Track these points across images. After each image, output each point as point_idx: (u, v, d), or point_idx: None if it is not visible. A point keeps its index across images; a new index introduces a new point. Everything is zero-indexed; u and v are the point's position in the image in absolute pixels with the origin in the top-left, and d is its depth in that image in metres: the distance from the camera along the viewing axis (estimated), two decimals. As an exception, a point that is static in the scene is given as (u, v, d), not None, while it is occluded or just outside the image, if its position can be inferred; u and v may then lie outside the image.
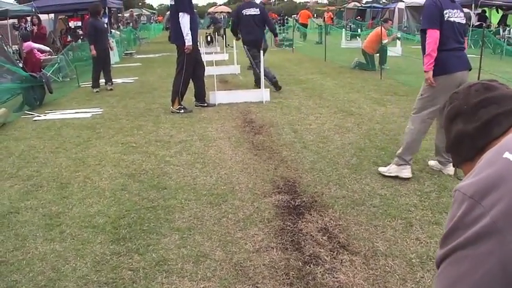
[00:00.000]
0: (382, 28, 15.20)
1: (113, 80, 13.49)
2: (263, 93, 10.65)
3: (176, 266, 3.99)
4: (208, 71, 11.83)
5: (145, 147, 7.17)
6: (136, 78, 15.14)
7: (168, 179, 5.85)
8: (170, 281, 3.78)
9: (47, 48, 13.21)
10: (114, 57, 18.90)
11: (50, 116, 9.94)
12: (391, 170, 5.91)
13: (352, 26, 36.36)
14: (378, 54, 15.33)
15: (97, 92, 12.62)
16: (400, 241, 4.37)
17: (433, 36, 5.40)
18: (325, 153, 6.68)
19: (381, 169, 6.03)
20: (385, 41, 15.12)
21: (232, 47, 16.03)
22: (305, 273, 3.89)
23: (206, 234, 4.50)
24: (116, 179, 5.89)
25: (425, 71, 5.56)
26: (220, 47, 23.19)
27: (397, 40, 18.93)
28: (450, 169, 5.91)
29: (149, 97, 11.55)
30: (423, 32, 5.55)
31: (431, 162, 6.19)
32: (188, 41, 9.22)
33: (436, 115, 5.78)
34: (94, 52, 12.71)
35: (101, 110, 10.28)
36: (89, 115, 9.73)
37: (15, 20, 19.56)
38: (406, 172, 5.84)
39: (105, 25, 13.22)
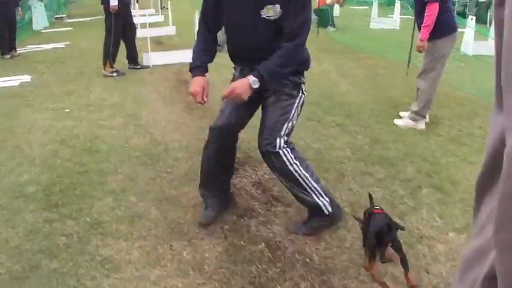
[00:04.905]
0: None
1: (42, 46, 13.13)
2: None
3: (111, 227, 3.98)
4: (142, 33, 11.59)
5: (77, 112, 7.02)
6: (68, 43, 14.68)
7: (100, 142, 5.76)
8: (105, 243, 3.77)
9: None
10: (42, 21, 18.29)
11: (-25, 86, 9.61)
12: (409, 124, 6.22)
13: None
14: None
15: (9, 58, 12.27)
16: (333, 191, 4.46)
17: (434, 9, 5.71)
18: (258, 111, 6.68)
19: (398, 122, 6.35)
20: (328, 1, 15.37)
21: (168, 8, 15.75)
22: (239, 226, 3.94)
23: (140, 194, 4.48)
24: (47, 145, 5.76)
25: (421, 40, 5.90)
26: (155, 9, 22.71)
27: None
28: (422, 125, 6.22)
29: (81, 62, 11.24)
30: (423, 3, 5.84)
31: (401, 121, 6.31)
32: (113, 1, 9.00)
33: (442, 71, 6.11)
34: None
35: (30, 77, 9.95)
36: (16, 83, 9.41)
37: None
38: (422, 125, 6.20)
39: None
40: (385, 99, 7.42)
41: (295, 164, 3.66)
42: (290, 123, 3.72)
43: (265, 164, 4.89)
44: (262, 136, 3.70)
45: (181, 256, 3.59)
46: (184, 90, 7.98)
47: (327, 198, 3.77)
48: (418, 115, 6.11)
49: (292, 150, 3.70)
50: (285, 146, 3.65)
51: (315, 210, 3.79)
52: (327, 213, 3.77)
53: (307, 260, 3.56)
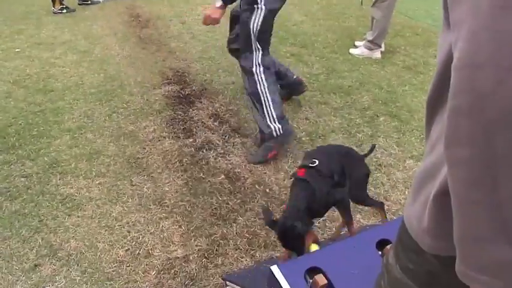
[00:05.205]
0: None
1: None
2: (149, -14, 10.28)
3: (70, 166, 3.97)
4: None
5: (28, 52, 6.83)
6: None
7: (54, 81, 5.64)
8: (65, 182, 3.77)
9: None
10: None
11: None
12: (364, 53, 6.22)
13: None
14: None
15: None
16: (290, 121, 4.49)
17: None
18: (214, 42, 6.63)
19: (354, 51, 6.33)
20: None
21: None
22: (198, 159, 3.97)
23: (97, 131, 4.46)
24: (-1, 87, 5.64)
25: None
26: None
27: None
28: (377, 54, 6.22)
29: (28, -1, 10.92)
30: None
31: (356, 51, 6.30)
32: None
33: (396, 1, 6.03)
34: None
35: (-25, 17, 9.65)
36: (-38, 24, 9.10)
37: None
38: (377, 54, 6.20)
39: None
40: (340, 28, 7.41)
41: (264, 85, 3.95)
42: (254, 38, 3.90)
43: (222, 95, 4.95)
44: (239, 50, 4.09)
45: (141, 191, 3.63)
46: (136, 24, 7.84)
47: (278, 125, 3.96)
48: (374, 44, 6.13)
49: (266, 70, 3.97)
50: (259, 64, 3.94)
51: (264, 131, 3.98)
52: (275, 135, 3.97)
53: (267, 190, 3.63)
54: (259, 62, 3.92)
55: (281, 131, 3.97)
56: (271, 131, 3.95)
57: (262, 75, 3.92)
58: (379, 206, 2.92)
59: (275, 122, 3.95)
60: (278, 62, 4.68)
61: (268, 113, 3.95)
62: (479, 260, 0.87)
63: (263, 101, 3.94)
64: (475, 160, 0.79)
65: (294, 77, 4.75)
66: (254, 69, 3.90)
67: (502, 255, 0.84)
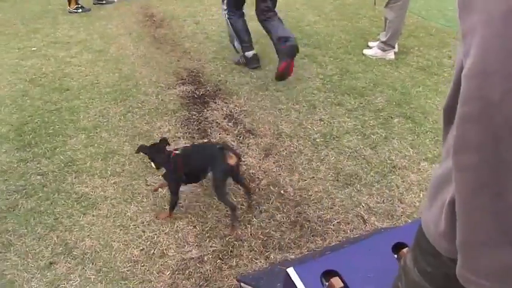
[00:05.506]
0: None
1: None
2: (163, -14, 10.31)
3: (85, 165, 4.00)
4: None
5: (44, 50, 6.87)
6: (28, -21, 14.27)
7: (70, 80, 5.68)
8: (80, 180, 3.80)
9: None
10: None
11: None
12: (378, 54, 6.20)
13: None
14: None
15: None
16: (305, 123, 4.51)
17: None
18: (228, 42, 6.60)
19: (367, 52, 6.32)
20: None
21: None
22: (213, 160, 3.96)
23: (113, 130, 4.49)
24: (16, 85, 5.65)
25: None
26: None
27: None
28: (391, 55, 6.21)
29: (44, -1, 10.96)
30: None
31: (370, 51, 6.29)
32: None
33: (409, 1, 5.99)
34: None
35: (-8, 16, 9.70)
36: (-20, 22, 9.16)
37: None
38: (391, 55, 6.18)
39: None
40: (354, 29, 7.40)
41: (230, 26, 5.66)
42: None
43: (236, 96, 4.96)
44: None
45: (156, 191, 3.64)
46: (151, 24, 7.86)
47: (239, 45, 5.81)
48: (387, 45, 6.11)
49: (230, 18, 5.63)
50: (226, 15, 5.62)
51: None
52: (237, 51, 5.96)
53: (282, 191, 3.63)
54: (226, 12, 5.61)
55: (240, 51, 5.81)
56: (234, 47, 5.91)
57: (229, 21, 5.63)
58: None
59: (240, 45, 5.78)
60: (281, 27, 5.32)
61: (235, 39, 5.78)
62: (480, 265, 0.88)
63: (233, 34, 5.71)
64: (482, 166, 0.81)
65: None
66: (224, 18, 5.68)
67: (504, 261, 0.85)
